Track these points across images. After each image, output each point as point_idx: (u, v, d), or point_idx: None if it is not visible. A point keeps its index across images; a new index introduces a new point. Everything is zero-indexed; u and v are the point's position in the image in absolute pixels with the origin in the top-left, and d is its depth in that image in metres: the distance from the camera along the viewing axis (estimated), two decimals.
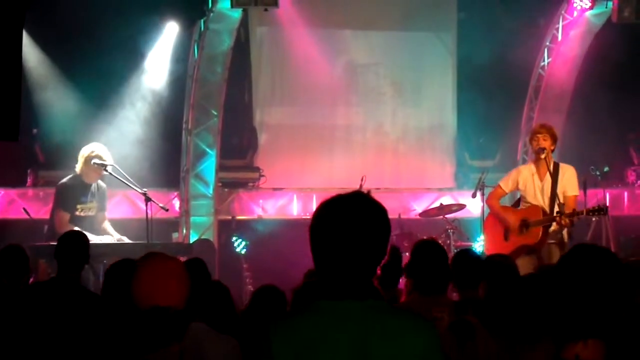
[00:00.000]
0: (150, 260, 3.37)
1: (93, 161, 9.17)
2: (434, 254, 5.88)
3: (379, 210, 2.97)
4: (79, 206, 9.20)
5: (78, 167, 9.30)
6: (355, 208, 2.94)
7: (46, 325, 5.21)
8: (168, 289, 3.22)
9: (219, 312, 5.01)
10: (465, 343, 3.90)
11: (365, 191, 3.20)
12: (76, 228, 8.93)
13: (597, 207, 8.66)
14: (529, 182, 8.74)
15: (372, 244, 2.92)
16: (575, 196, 8.74)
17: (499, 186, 9.01)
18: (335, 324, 2.87)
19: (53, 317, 5.28)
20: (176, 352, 3.22)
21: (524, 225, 8.62)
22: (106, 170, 9.22)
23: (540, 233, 8.51)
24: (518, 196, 9.02)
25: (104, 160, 9.20)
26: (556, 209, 8.48)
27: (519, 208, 8.93)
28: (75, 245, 6.08)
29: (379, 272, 2.87)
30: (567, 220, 8.39)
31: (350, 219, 2.91)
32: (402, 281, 6.81)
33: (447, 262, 5.88)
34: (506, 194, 9.07)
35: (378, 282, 6.51)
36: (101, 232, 9.30)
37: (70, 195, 9.21)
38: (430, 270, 5.77)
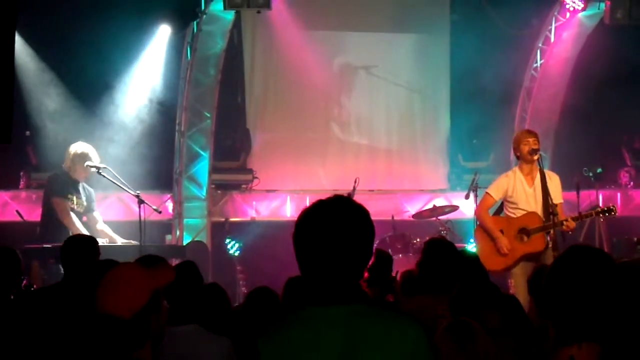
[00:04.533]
0: (112, 269, 3.37)
1: (86, 163, 9.18)
2: (443, 252, 5.89)
3: (361, 213, 2.97)
4: (69, 196, 9.19)
5: (65, 165, 9.31)
6: (336, 212, 2.94)
7: (52, 331, 5.15)
8: (113, 297, 3.22)
9: (215, 314, 5.01)
10: (466, 345, 3.89)
11: (347, 194, 3.20)
12: (75, 218, 8.96)
13: (606, 208, 8.77)
14: (518, 189, 8.66)
15: (355, 247, 2.92)
16: (562, 204, 8.77)
17: (489, 195, 8.83)
18: (322, 330, 2.87)
19: (60, 322, 5.22)
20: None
21: (524, 233, 8.56)
22: (99, 173, 9.23)
23: (545, 240, 8.50)
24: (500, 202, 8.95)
25: (91, 160, 9.21)
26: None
27: (503, 215, 8.87)
28: (82, 249, 6.09)
29: (366, 274, 2.87)
30: (574, 224, 8.45)
31: (332, 223, 2.92)
32: None
33: (457, 261, 5.88)
34: (496, 202, 8.88)
35: (366, 284, 6.51)
36: (97, 233, 9.27)
37: (63, 184, 9.21)
38: (438, 269, 5.78)
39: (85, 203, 9.36)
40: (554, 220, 8.38)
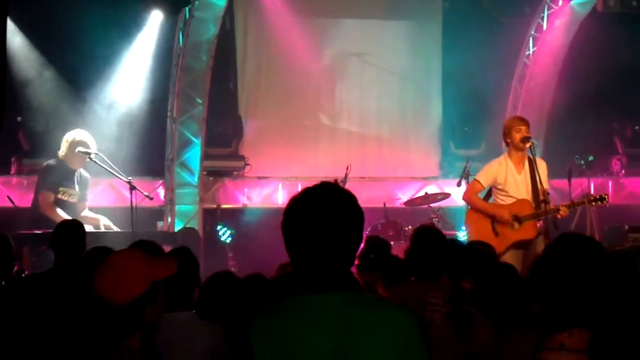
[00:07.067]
0: (115, 253, 3.38)
1: (78, 149, 9.17)
2: (432, 240, 5.93)
3: (348, 199, 2.96)
4: (61, 189, 9.18)
5: (61, 152, 9.31)
6: (323, 199, 2.94)
7: (45, 318, 5.14)
8: (110, 282, 3.23)
9: (228, 302, 5.02)
10: (465, 331, 3.91)
11: (335, 181, 3.19)
12: (59, 210, 8.96)
13: (598, 196, 8.76)
14: (508, 176, 8.62)
15: (344, 234, 2.92)
16: (547, 190, 8.75)
17: (477, 181, 8.78)
18: (314, 319, 2.87)
19: (53, 309, 5.21)
20: (134, 347, 3.23)
21: (516, 220, 8.50)
22: (90, 158, 9.21)
23: (536, 227, 8.49)
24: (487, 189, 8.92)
25: (88, 147, 9.21)
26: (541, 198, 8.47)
27: (491, 202, 8.85)
28: (72, 234, 6.12)
29: (357, 261, 2.88)
30: (567, 212, 8.44)
31: (320, 210, 2.91)
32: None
33: (445, 249, 5.92)
34: (484, 188, 8.82)
35: (357, 270, 6.53)
36: (82, 220, 9.25)
37: (55, 176, 9.20)
38: (427, 256, 5.82)
39: (79, 192, 9.35)
40: (546, 208, 8.37)
